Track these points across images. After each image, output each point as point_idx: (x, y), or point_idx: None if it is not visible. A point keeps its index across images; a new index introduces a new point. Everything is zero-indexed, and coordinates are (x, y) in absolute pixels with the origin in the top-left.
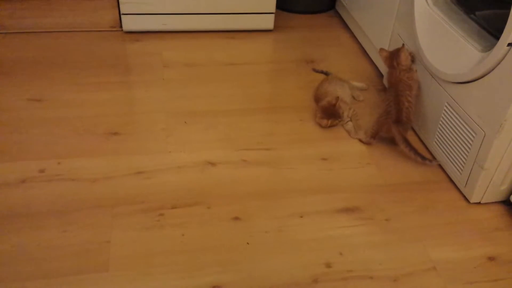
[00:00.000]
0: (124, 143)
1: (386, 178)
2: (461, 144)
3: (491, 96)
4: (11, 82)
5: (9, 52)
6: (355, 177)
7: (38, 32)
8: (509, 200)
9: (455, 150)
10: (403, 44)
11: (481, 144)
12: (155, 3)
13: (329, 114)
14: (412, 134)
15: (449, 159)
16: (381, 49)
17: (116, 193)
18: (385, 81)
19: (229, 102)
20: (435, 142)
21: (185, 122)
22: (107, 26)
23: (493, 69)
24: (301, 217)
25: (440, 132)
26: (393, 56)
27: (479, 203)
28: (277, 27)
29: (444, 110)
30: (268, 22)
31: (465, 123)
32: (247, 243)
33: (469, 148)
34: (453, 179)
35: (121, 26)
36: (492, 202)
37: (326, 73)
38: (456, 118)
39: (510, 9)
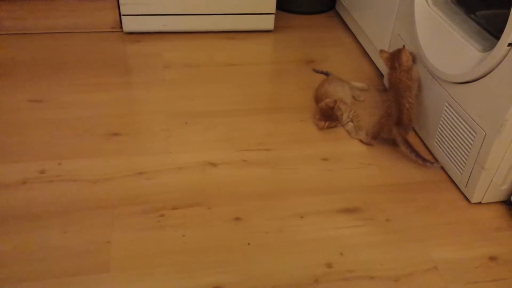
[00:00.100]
0: (125, 143)
1: (387, 179)
2: (462, 144)
3: (491, 96)
4: (11, 83)
5: (10, 53)
6: (356, 178)
7: (39, 33)
8: (510, 200)
9: (456, 150)
10: (404, 46)
11: (481, 144)
12: (155, 4)
13: (327, 116)
14: (413, 134)
15: (450, 159)
16: (382, 51)
17: (116, 194)
18: (385, 82)
19: (230, 103)
20: (436, 142)
21: (186, 122)
22: (108, 27)
23: (493, 69)
24: (302, 217)
25: (440, 132)
26: (394, 57)
27: (480, 203)
28: (277, 27)
29: (445, 110)
30: (268, 22)
31: (466, 123)
32: (248, 244)
33: (469, 148)
34: (453, 179)
35: (121, 27)
36: (493, 202)
37: (327, 74)
38: (457, 118)
39: (510, 9)
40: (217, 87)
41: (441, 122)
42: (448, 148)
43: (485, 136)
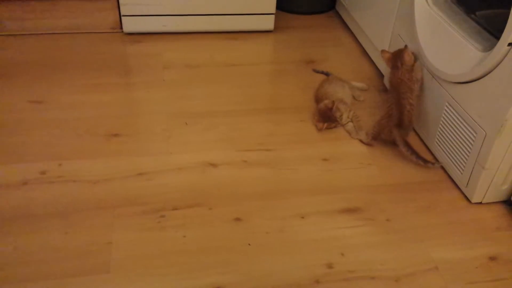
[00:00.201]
0: (125, 144)
1: (387, 179)
2: (462, 144)
3: (491, 96)
4: (12, 84)
5: (10, 54)
6: (356, 178)
7: (39, 34)
8: (510, 200)
9: (456, 150)
10: (406, 45)
11: (482, 144)
12: (155, 5)
13: (326, 117)
14: (413, 134)
15: (450, 159)
16: (383, 51)
17: (117, 195)
18: (385, 82)
19: (230, 103)
20: (436, 142)
21: (186, 123)
22: (108, 27)
23: (493, 69)
24: (302, 217)
25: (441, 132)
26: (396, 57)
27: (481, 203)
28: (277, 27)
29: (445, 110)
30: (268, 22)
31: (466, 123)
32: (249, 244)
33: (470, 148)
34: (454, 179)
35: (121, 28)
36: (494, 202)
37: (327, 74)
38: (457, 118)
39: (510, 9)
40: (217, 87)
41: (441, 122)
42: (449, 148)
43: (485, 136)
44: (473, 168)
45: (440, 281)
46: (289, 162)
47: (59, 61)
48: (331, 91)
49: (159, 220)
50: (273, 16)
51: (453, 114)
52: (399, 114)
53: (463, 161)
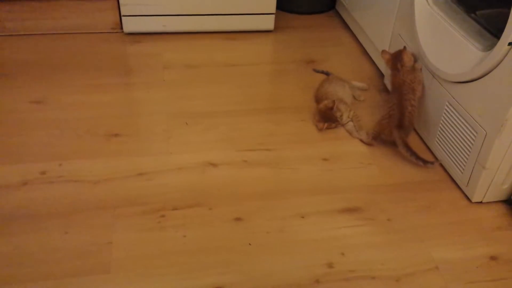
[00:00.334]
0: (125, 144)
1: (388, 178)
2: (463, 144)
3: (492, 96)
4: (12, 85)
5: (10, 54)
6: (357, 178)
7: (39, 34)
8: (511, 200)
9: (457, 149)
10: (404, 46)
11: (482, 144)
12: (155, 5)
13: (326, 117)
14: (413, 134)
15: (451, 159)
16: (383, 51)
17: (117, 195)
18: (386, 82)
19: (230, 103)
20: (436, 141)
21: (186, 123)
22: (108, 27)
23: (494, 69)
24: (303, 217)
25: (441, 131)
26: (395, 59)
27: (481, 202)
28: (277, 27)
29: (445, 109)
30: (268, 22)
31: (466, 122)
32: (249, 244)
33: (470, 147)
34: (454, 178)
35: (121, 28)
36: (494, 202)
37: (327, 73)
38: (457, 117)
39: (510, 8)
40: (217, 88)
41: (441, 122)
42: (449, 147)
43: (485, 135)
44: (473, 167)
45: (441, 281)
46: (289, 162)
47: (59, 61)
48: (332, 91)
49: (159, 220)
50: (273, 16)
51: (454, 113)
52: (400, 115)
53: (464, 160)
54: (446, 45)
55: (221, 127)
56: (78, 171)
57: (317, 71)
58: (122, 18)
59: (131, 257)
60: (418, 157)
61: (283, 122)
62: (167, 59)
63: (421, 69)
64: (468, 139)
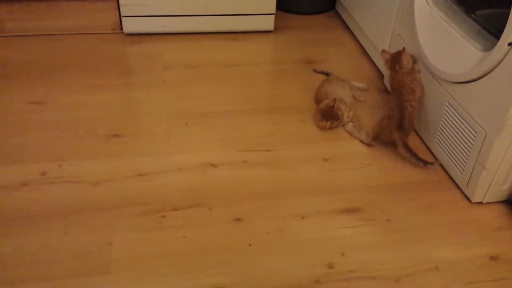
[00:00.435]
0: (125, 145)
1: (387, 179)
2: (463, 144)
3: (492, 96)
4: (12, 85)
5: (10, 55)
6: (357, 178)
7: (39, 35)
8: (511, 200)
9: (457, 149)
10: (404, 48)
11: (482, 144)
12: (155, 5)
13: (328, 116)
14: (413, 134)
15: (451, 159)
16: (383, 51)
17: (117, 195)
18: (386, 82)
19: (230, 103)
20: (436, 142)
21: (186, 123)
22: (108, 28)
23: (494, 69)
24: (303, 218)
25: (441, 132)
26: (394, 60)
27: (481, 202)
28: (277, 28)
29: (445, 110)
30: (268, 23)
31: (466, 122)
32: (249, 244)
33: (470, 147)
34: (454, 179)
35: (121, 28)
36: (494, 202)
37: (327, 74)
38: (457, 117)
39: (510, 9)
40: (217, 88)
41: (441, 122)
42: (449, 147)
43: (485, 135)
44: (473, 167)
45: (441, 281)
46: (290, 162)
47: (59, 62)
48: (332, 91)
49: (159, 221)
50: (273, 16)
51: (454, 114)
52: (400, 116)
53: (464, 161)
54: (446, 45)
55: (221, 127)
56: (78, 171)
57: (317, 72)
58: (122, 18)
59: (131, 257)
60: (418, 158)
61: (283, 122)
62: (167, 59)
63: (419, 71)
64: (468, 139)
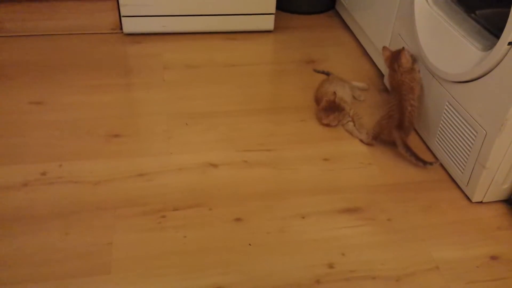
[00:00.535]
0: (125, 145)
1: (388, 178)
2: (463, 143)
3: (492, 95)
4: (12, 85)
5: (10, 55)
6: (357, 178)
7: (39, 35)
8: (511, 199)
9: (457, 149)
10: (403, 47)
11: (482, 143)
12: (155, 5)
13: (333, 109)
14: (414, 133)
15: (451, 158)
16: (384, 48)
17: (117, 195)
18: (385, 81)
19: (230, 103)
20: (437, 141)
21: (186, 123)
22: (108, 28)
23: (494, 68)
24: (303, 217)
25: (441, 131)
26: (394, 58)
27: (481, 202)
28: (277, 27)
29: (445, 109)
30: (268, 22)
31: (467, 122)
32: (249, 244)
33: (470, 147)
34: (454, 178)
35: (121, 28)
36: (494, 201)
37: (327, 74)
38: (457, 117)
39: (510, 8)
40: (217, 88)
41: (442, 122)
42: (449, 147)
43: (486, 135)
44: (473, 167)
45: (441, 281)
46: (290, 162)
47: (59, 62)
48: (332, 91)
49: (159, 221)
50: (273, 16)
51: (454, 113)
52: (399, 115)
53: (464, 160)
54: (446, 45)
55: (221, 127)
56: (79, 172)
57: (318, 71)
58: (122, 18)
59: (131, 257)
60: (418, 158)
61: (283, 122)
62: (167, 59)
63: (419, 70)
64: (468, 139)
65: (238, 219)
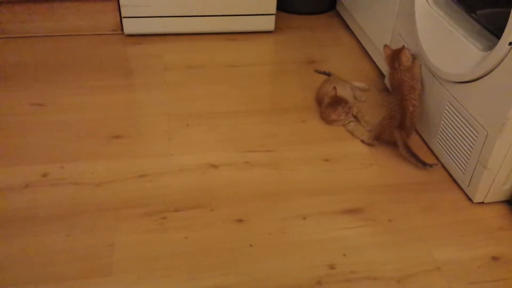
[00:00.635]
0: (127, 146)
1: (389, 179)
2: (464, 144)
3: (493, 95)
4: (13, 87)
5: (11, 57)
6: (358, 178)
7: (40, 36)
8: None
9: (458, 149)
10: (403, 46)
11: (483, 144)
12: (156, 6)
13: (338, 103)
14: (415, 134)
15: (452, 159)
16: (386, 46)
17: (119, 197)
18: (386, 82)
19: (231, 104)
20: (438, 142)
21: (187, 124)
22: (109, 29)
23: (494, 68)
24: (304, 218)
25: (442, 132)
26: (394, 57)
27: (482, 202)
28: (278, 28)
29: (446, 110)
30: (268, 23)
31: (467, 122)
32: (250, 245)
33: (471, 147)
34: (456, 179)
35: (122, 29)
36: (495, 202)
37: (328, 74)
38: (458, 117)
39: (511, 8)
40: (218, 89)
41: (442, 122)
42: (450, 147)
43: (487, 135)
44: (474, 168)
45: (443, 282)
46: (291, 163)
47: (60, 63)
48: (332, 88)
49: (161, 222)
50: (273, 16)
51: (455, 113)
52: (401, 115)
53: (465, 161)
54: (447, 45)
55: (222, 128)
56: (80, 173)
57: (319, 72)
58: (123, 19)
59: (133, 259)
60: (418, 159)
61: (284, 122)
62: (168, 60)
63: (420, 65)
64: (469, 139)
65: (239, 220)
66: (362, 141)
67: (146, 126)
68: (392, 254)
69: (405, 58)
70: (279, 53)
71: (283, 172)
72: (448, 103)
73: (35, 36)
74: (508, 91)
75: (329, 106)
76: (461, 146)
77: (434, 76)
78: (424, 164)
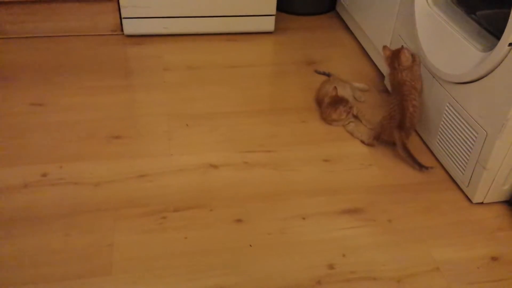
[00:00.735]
0: (126, 146)
1: (388, 179)
2: (463, 144)
3: (492, 96)
4: (13, 87)
5: (11, 57)
6: (357, 178)
7: (40, 37)
8: None
9: (457, 150)
10: (402, 46)
11: (483, 144)
12: (156, 7)
13: (338, 103)
14: (414, 134)
15: (451, 159)
16: (385, 47)
17: (118, 197)
18: (386, 82)
19: (231, 104)
20: (437, 142)
21: (187, 124)
22: (108, 30)
23: (494, 69)
24: (304, 218)
25: (442, 132)
26: (394, 57)
27: (482, 203)
28: (277, 29)
29: (446, 110)
30: (268, 24)
31: (467, 123)
32: (250, 245)
33: (471, 148)
34: (455, 179)
35: (122, 30)
36: (495, 202)
37: (328, 75)
38: (458, 118)
39: (510, 9)
40: (218, 89)
41: (442, 122)
42: (450, 148)
43: (486, 136)
44: (474, 168)
45: (442, 282)
46: (290, 163)
47: (60, 63)
48: (332, 88)
49: (160, 222)
50: (273, 17)
51: (454, 114)
52: (401, 116)
53: (464, 161)
54: (447, 46)
55: (222, 128)
56: (79, 173)
57: (319, 73)
58: (123, 20)
59: (132, 258)
60: (415, 161)
61: (284, 123)
62: (168, 60)
63: (420, 63)
64: (469, 140)
65: (238, 220)
66: (362, 141)
67: (146, 127)
68: (391, 254)
69: (405, 58)
70: (279, 53)
71: (283, 172)
72: (447, 104)
73: (35, 37)
74: (507, 92)
75: (330, 105)
76: (461, 147)
77: (434, 77)
78: (421, 166)
